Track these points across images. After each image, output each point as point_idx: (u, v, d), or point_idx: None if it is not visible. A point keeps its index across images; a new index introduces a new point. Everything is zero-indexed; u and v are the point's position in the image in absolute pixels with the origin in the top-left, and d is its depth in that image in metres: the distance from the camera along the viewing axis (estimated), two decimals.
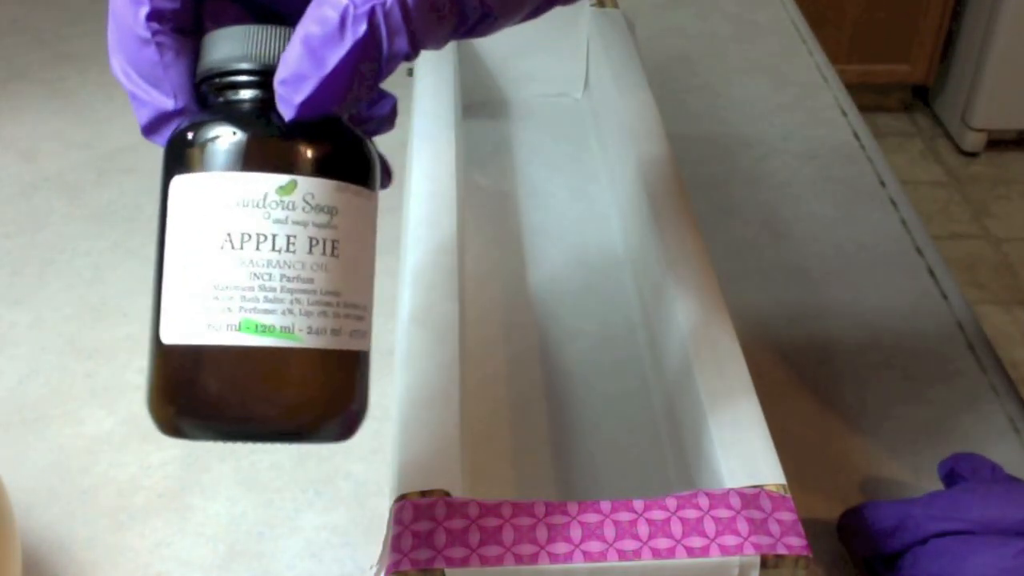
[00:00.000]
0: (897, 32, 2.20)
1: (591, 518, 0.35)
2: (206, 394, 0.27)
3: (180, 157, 0.28)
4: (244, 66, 0.28)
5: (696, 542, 0.34)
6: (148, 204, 0.65)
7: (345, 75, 0.27)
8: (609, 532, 0.34)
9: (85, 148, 0.70)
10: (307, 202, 0.27)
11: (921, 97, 2.39)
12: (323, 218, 0.28)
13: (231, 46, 0.28)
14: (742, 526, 0.34)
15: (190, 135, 0.28)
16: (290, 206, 0.27)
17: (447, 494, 0.36)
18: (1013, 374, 0.74)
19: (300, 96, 0.27)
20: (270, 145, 0.27)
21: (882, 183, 0.68)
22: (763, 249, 0.62)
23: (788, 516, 0.35)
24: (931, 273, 0.60)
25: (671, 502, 0.35)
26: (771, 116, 0.74)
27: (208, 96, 0.29)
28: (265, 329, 0.27)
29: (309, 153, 0.28)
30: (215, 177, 0.27)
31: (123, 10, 0.29)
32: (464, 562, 0.33)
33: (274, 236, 0.27)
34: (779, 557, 0.34)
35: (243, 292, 0.27)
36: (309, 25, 0.27)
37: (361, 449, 0.49)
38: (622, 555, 0.34)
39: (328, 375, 0.28)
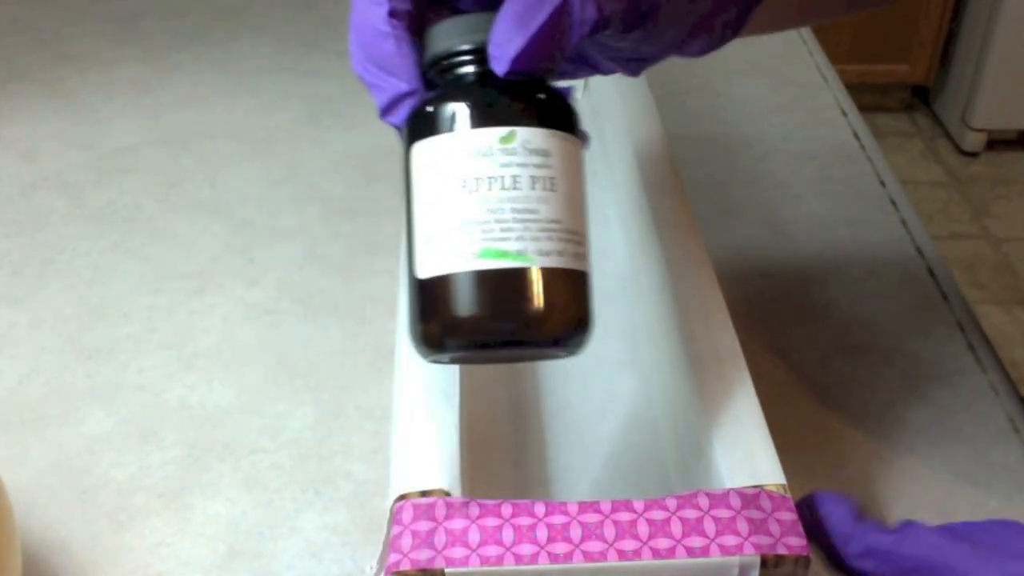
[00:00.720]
0: (897, 32, 2.20)
1: (591, 518, 0.35)
2: (461, 312, 0.32)
3: (421, 127, 0.34)
4: (463, 47, 0.34)
5: (696, 542, 0.34)
6: (148, 204, 0.65)
7: (547, 35, 0.33)
8: (609, 532, 0.34)
9: (85, 148, 0.70)
10: (525, 148, 0.33)
11: (921, 97, 2.39)
12: (540, 159, 0.33)
13: (450, 34, 0.35)
14: (742, 526, 0.34)
15: (428, 108, 0.34)
16: (512, 152, 0.32)
17: (447, 494, 0.36)
18: (1013, 374, 0.74)
19: (510, 53, 0.33)
20: (490, 105, 0.33)
21: (882, 183, 0.68)
22: (763, 249, 0.62)
23: (788, 516, 0.35)
24: (931, 273, 0.60)
25: (671, 502, 0.35)
26: (771, 116, 0.74)
27: (435, 79, 0.35)
28: (503, 253, 0.32)
29: (522, 108, 0.33)
30: (450, 137, 0.33)
31: (366, 11, 0.36)
32: (464, 562, 0.33)
33: (502, 177, 0.32)
34: (779, 557, 0.34)
35: (481, 225, 0.32)
36: (515, 1, 0.33)
37: (361, 449, 0.49)
38: (622, 555, 0.34)
39: (559, 290, 0.33)
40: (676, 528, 0.34)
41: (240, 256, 0.61)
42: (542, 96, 0.34)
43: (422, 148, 0.33)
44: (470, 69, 0.35)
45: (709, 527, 0.34)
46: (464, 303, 0.32)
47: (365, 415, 0.51)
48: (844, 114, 0.75)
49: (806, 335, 0.56)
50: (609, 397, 0.49)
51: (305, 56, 0.81)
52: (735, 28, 0.40)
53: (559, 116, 0.34)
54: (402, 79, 0.36)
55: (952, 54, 2.24)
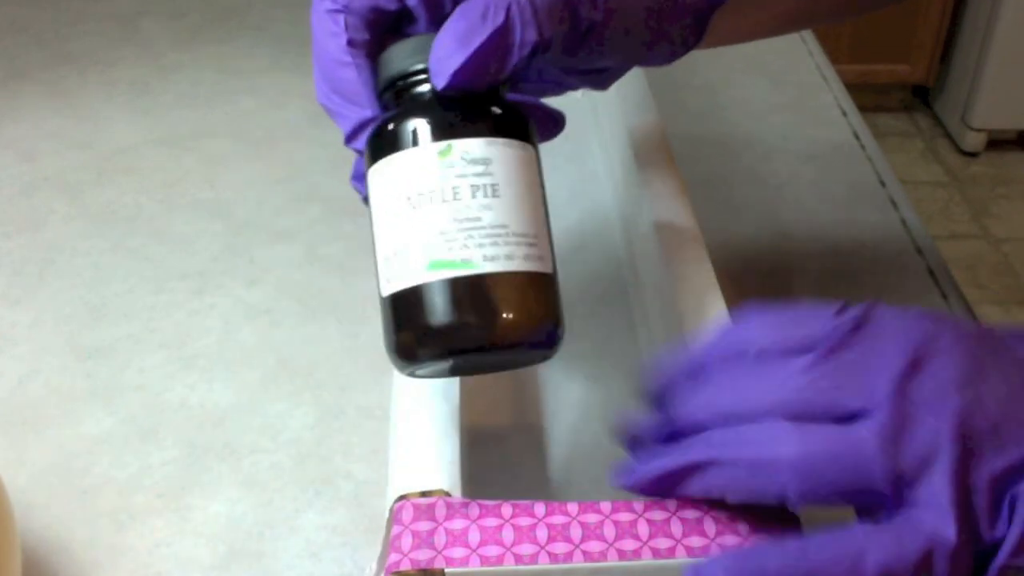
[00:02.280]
0: (897, 32, 2.20)
1: (591, 518, 0.35)
2: (422, 323, 0.33)
3: (375, 149, 0.35)
4: (408, 68, 0.36)
5: (696, 542, 0.34)
6: (148, 204, 0.65)
7: (486, 55, 0.35)
8: (609, 532, 0.34)
9: (85, 148, 0.70)
10: (463, 159, 0.34)
11: (921, 97, 2.39)
12: (479, 168, 0.34)
13: (397, 57, 0.37)
14: (742, 526, 0.34)
15: (379, 131, 0.35)
16: (450, 164, 0.33)
17: (447, 494, 0.36)
18: None
19: (449, 69, 0.35)
20: (429, 122, 0.34)
21: (882, 183, 0.68)
22: (763, 249, 0.62)
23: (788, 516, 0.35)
24: (931, 273, 0.60)
25: (671, 502, 0.35)
26: (771, 116, 0.74)
27: (389, 102, 0.37)
28: (448, 264, 0.33)
29: (461, 121, 0.34)
30: (396, 157, 0.34)
31: (326, 42, 0.38)
32: (464, 562, 0.33)
33: (442, 189, 0.33)
34: None
35: (427, 238, 0.33)
36: (457, 19, 0.35)
37: (361, 449, 0.49)
38: (622, 555, 0.34)
39: (511, 291, 0.33)
40: (676, 528, 0.34)
41: (240, 256, 0.61)
42: (487, 108, 0.35)
43: (376, 170, 0.35)
44: (419, 89, 0.36)
45: (709, 527, 0.34)
46: (422, 315, 0.33)
47: (365, 415, 0.51)
48: (844, 114, 0.75)
49: None
50: (609, 397, 0.49)
51: (305, 56, 0.81)
52: (697, 33, 0.41)
53: (502, 125, 0.35)
54: (364, 106, 0.37)
55: (952, 54, 2.24)
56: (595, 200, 0.61)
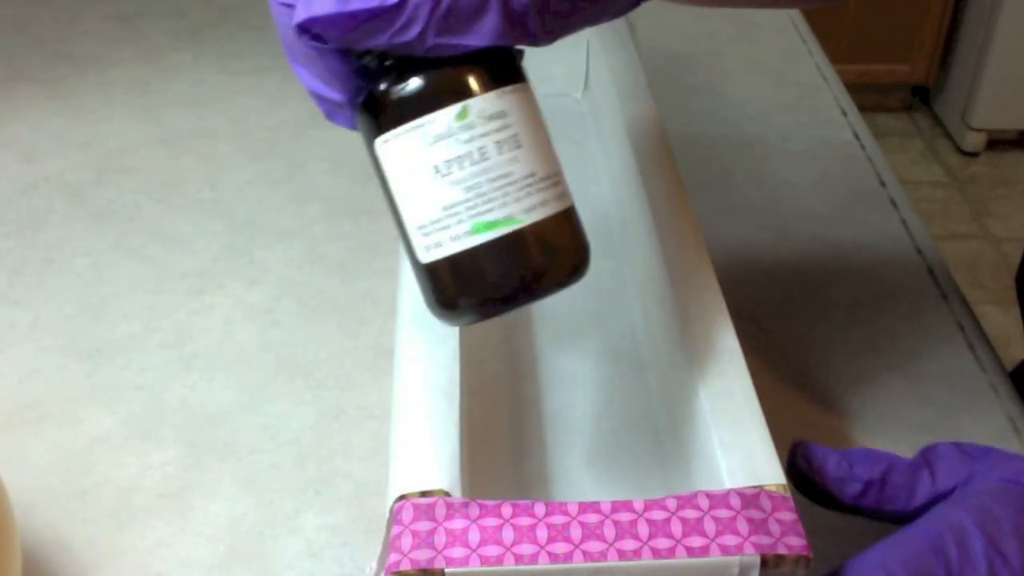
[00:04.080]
0: (897, 32, 2.20)
1: (591, 518, 0.35)
2: (474, 284, 0.34)
3: (376, 120, 0.34)
4: None
5: (696, 542, 0.34)
6: (148, 204, 0.65)
7: (369, 21, 0.31)
8: (609, 532, 0.34)
9: (85, 148, 0.70)
10: (482, 116, 0.33)
11: (921, 97, 2.39)
12: (499, 123, 0.33)
13: None
14: (742, 526, 0.34)
15: (378, 100, 0.34)
16: (471, 125, 0.33)
17: (447, 494, 0.36)
18: (1010, 370, 0.73)
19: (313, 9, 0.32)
20: (435, 86, 0.33)
21: (882, 183, 0.68)
22: (763, 249, 0.62)
23: (788, 516, 0.35)
24: (931, 273, 0.60)
25: (671, 502, 0.35)
26: (771, 116, 0.74)
27: (372, 67, 0.34)
28: (492, 224, 0.33)
29: (466, 78, 0.33)
30: (409, 128, 0.33)
31: (288, 28, 0.34)
32: (464, 562, 0.33)
33: (470, 153, 0.33)
34: (779, 557, 0.34)
35: (465, 204, 0.33)
36: None
37: (361, 449, 0.49)
38: (622, 555, 0.34)
39: (553, 235, 0.35)
40: (676, 528, 0.34)
41: (240, 256, 0.61)
42: (479, 58, 0.33)
43: (386, 144, 0.34)
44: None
45: (709, 527, 0.34)
46: (478, 276, 0.34)
47: (365, 415, 0.51)
48: (844, 114, 0.75)
49: (806, 335, 0.56)
50: (609, 397, 0.49)
51: None
52: None
53: (502, 69, 0.34)
54: (340, 89, 0.35)
55: (952, 54, 2.24)
56: (595, 200, 0.61)
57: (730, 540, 0.34)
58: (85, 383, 0.53)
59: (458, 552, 0.34)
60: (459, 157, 0.33)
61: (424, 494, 0.36)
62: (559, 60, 0.68)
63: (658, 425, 0.48)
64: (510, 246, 0.34)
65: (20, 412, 0.51)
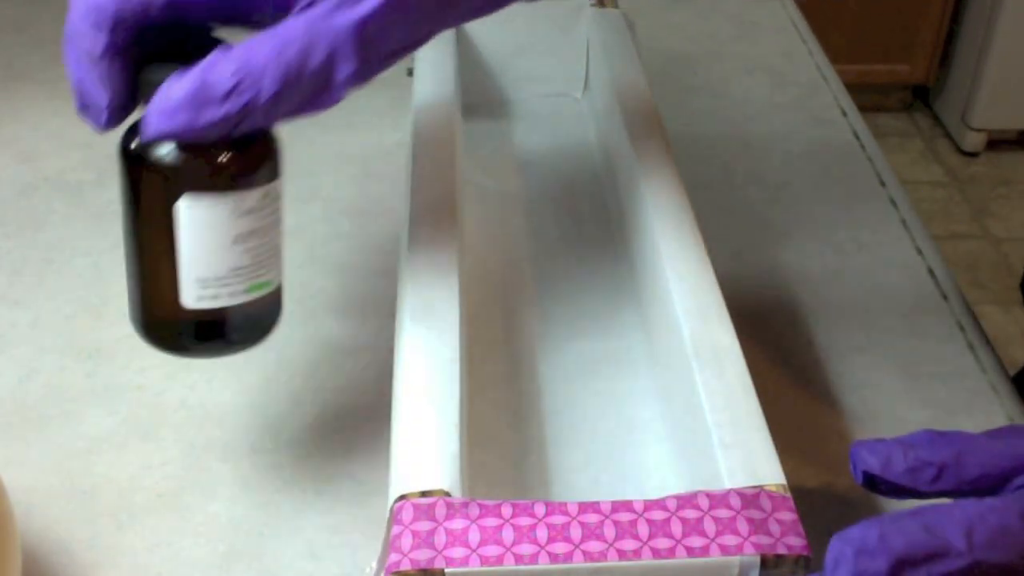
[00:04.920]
0: (897, 32, 2.20)
1: (591, 518, 0.35)
2: (238, 331, 0.40)
3: (182, 179, 0.36)
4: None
5: (696, 542, 0.34)
6: None
7: (218, 127, 0.35)
8: (609, 532, 0.34)
9: (85, 148, 0.70)
10: (274, 197, 0.38)
11: (921, 97, 2.39)
12: (279, 203, 0.39)
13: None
14: (742, 526, 0.34)
15: (185, 162, 0.36)
16: (269, 204, 0.38)
17: (447, 494, 0.36)
18: (1013, 374, 0.73)
19: (173, 124, 0.35)
20: (255, 166, 0.37)
21: (882, 183, 0.68)
22: (763, 249, 0.62)
23: (788, 516, 0.35)
24: (931, 273, 0.60)
25: (671, 502, 0.35)
26: (771, 116, 0.74)
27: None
28: (263, 285, 0.39)
29: (277, 162, 0.38)
30: (222, 198, 0.36)
31: (83, 35, 0.37)
32: (464, 562, 0.33)
33: (264, 227, 0.38)
34: (779, 557, 0.34)
35: (249, 268, 0.38)
36: (209, 75, 0.35)
37: (361, 449, 0.49)
38: (622, 555, 0.34)
39: (278, 293, 0.41)
40: (676, 528, 0.34)
41: None
42: (270, 147, 0.38)
43: (192, 203, 0.37)
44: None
45: (709, 527, 0.34)
46: (240, 325, 0.40)
47: (365, 415, 0.51)
48: (844, 114, 0.75)
49: (806, 335, 0.56)
50: (609, 397, 0.49)
51: None
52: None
53: (280, 157, 0.39)
54: (108, 95, 0.38)
55: (952, 54, 2.24)
56: (595, 201, 0.61)
57: (730, 540, 0.34)
58: (85, 383, 0.53)
59: (458, 552, 0.34)
60: (255, 230, 0.37)
61: (424, 494, 0.36)
62: (559, 60, 0.68)
63: (658, 425, 0.48)
64: (267, 301, 0.40)
65: (20, 412, 0.51)
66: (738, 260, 0.61)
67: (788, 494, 0.36)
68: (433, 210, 0.48)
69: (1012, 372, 0.67)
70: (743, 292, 0.58)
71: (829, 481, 0.48)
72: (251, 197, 0.37)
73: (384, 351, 0.54)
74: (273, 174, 0.38)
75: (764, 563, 0.34)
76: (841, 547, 0.31)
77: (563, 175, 0.64)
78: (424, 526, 0.34)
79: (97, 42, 0.36)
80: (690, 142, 0.71)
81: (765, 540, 0.34)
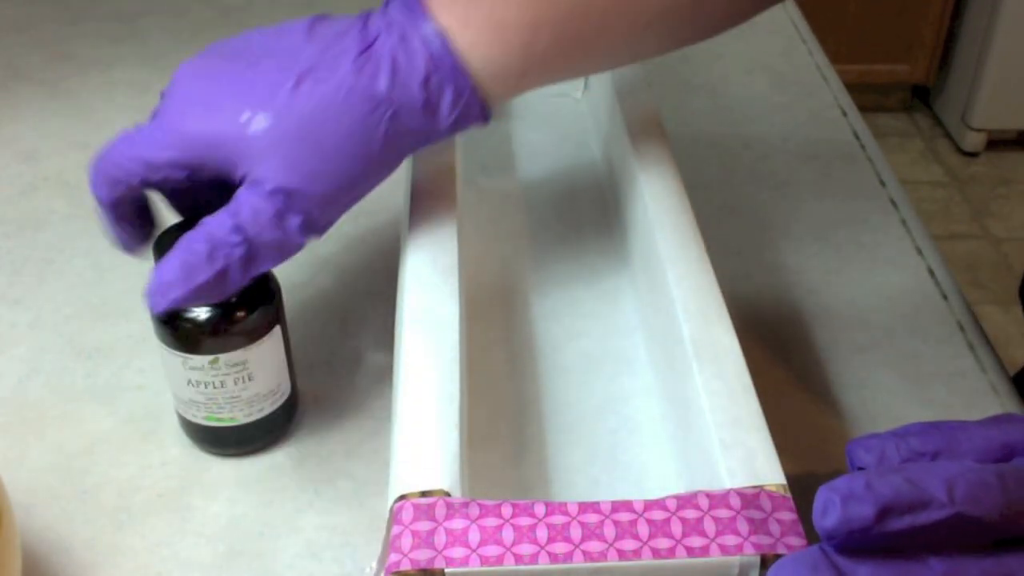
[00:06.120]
0: (897, 32, 2.20)
1: (591, 518, 0.35)
2: (197, 439, 0.49)
3: (163, 331, 0.45)
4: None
5: (696, 542, 0.34)
6: None
7: (207, 289, 0.42)
8: (609, 532, 0.34)
9: (85, 148, 0.70)
10: (226, 363, 0.45)
11: (921, 97, 2.39)
12: (239, 367, 0.45)
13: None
14: (742, 526, 0.34)
15: (164, 324, 0.44)
16: (217, 367, 0.45)
17: (447, 494, 0.36)
18: (1013, 374, 0.73)
19: (170, 297, 0.42)
20: (200, 336, 0.44)
21: (882, 183, 0.68)
22: (763, 249, 0.62)
23: (788, 516, 0.35)
24: (931, 273, 0.60)
25: (671, 502, 0.35)
26: (771, 116, 0.74)
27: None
28: (220, 419, 0.47)
29: (226, 337, 0.44)
30: (174, 354, 0.45)
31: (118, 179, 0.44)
32: (464, 562, 0.33)
33: (212, 382, 0.45)
34: (779, 557, 0.34)
35: (203, 404, 0.46)
36: (183, 252, 0.42)
37: (361, 449, 0.49)
38: (622, 555, 0.34)
39: (261, 427, 0.48)
40: (676, 528, 0.34)
41: None
42: (241, 320, 0.44)
43: (160, 346, 0.45)
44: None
45: (709, 527, 0.34)
46: (200, 439, 0.49)
47: (365, 415, 0.51)
48: (844, 114, 0.75)
49: (806, 335, 0.56)
50: (609, 397, 0.49)
51: None
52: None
53: (254, 328, 0.45)
54: (118, 242, 0.47)
55: (952, 54, 2.24)
56: (595, 201, 0.61)
57: (730, 540, 0.34)
58: (85, 383, 0.53)
59: (458, 552, 0.34)
60: (205, 382, 0.45)
61: (424, 494, 0.36)
62: None
63: (658, 425, 0.48)
64: (230, 432, 0.47)
65: (20, 412, 0.51)
66: (738, 260, 0.61)
67: (788, 494, 0.36)
68: (433, 210, 0.48)
69: (1012, 372, 0.66)
70: (743, 292, 0.58)
71: (829, 480, 0.48)
72: (196, 360, 0.44)
73: (384, 351, 0.54)
74: (223, 347, 0.44)
75: (764, 563, 0.34)
76: (829, 495, 0.31)
77: (563, 175, 0.64)
78: (424, 526, 0.34)
79: (99, 197, 0.44)
80: (690, 142, 0.71)
81: (765, 540, 0.34)
